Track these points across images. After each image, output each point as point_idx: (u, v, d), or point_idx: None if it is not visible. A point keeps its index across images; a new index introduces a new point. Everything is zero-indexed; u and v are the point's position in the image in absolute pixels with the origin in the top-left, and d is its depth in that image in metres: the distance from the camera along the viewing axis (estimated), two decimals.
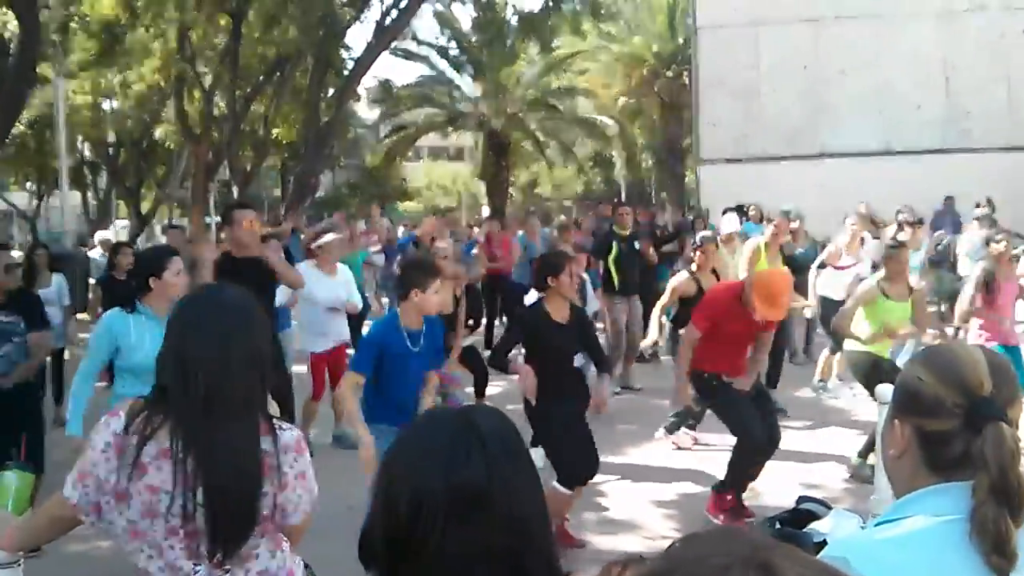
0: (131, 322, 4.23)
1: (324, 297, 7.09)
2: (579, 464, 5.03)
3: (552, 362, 5.03)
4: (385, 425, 4.45)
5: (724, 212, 10.62)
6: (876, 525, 1.46)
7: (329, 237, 7.46)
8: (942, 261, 11.79)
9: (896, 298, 6.19)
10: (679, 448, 7.06)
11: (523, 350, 5.23)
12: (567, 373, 5.16)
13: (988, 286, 6.43)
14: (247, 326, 2.23)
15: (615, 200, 19.00)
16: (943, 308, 11.64)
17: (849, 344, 6.45)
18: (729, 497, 5.56)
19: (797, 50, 17.70)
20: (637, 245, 9.07)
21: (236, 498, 2.11)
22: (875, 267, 7.84)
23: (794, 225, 9.05)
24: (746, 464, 5.50)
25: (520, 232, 11.66)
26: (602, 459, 5.84)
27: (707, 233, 7.84)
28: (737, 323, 5.45)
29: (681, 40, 28.40)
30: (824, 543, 4.22)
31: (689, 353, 5.54)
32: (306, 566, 2.46)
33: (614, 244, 8.85)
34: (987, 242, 6.79)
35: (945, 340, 7.44)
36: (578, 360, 5.71)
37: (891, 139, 17.30)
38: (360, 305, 7.81)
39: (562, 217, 31.30)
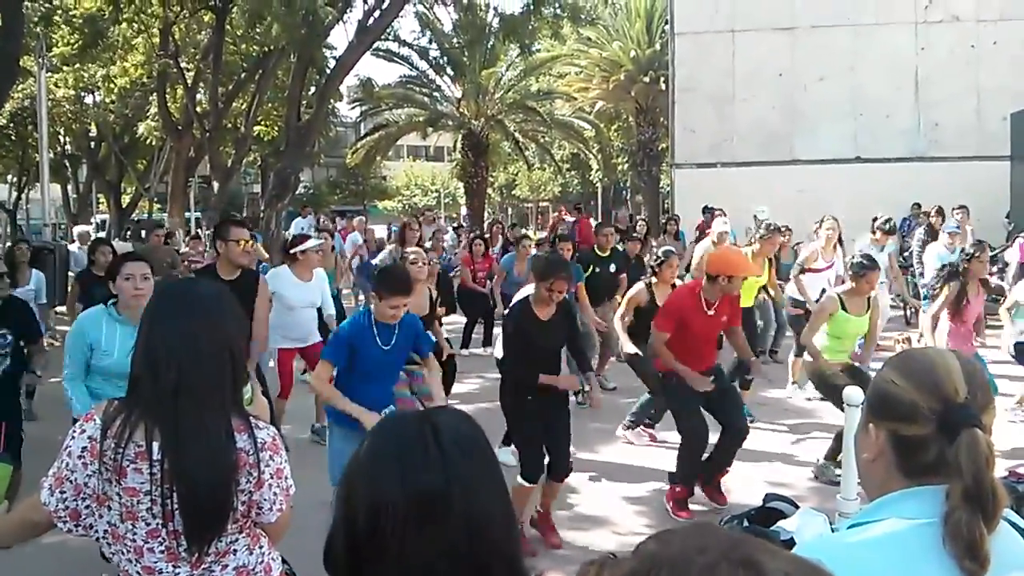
0: (104, 325, 4.18)
1: (297, 300, 7.15)
2: (541, 460, 5.14)
3: (537, 359, 5.12)
4: (356, 430, 4.39)
5: (704, 210, 10.76)
6: (849, 527, 1.47)
7: (311, 243, 7.45)
8: (910, 267, 12.07)
9: (854, 313, 6.34)
10: (631, 443, 7.26)
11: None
12: (551, 368, 5.23)
13: (959, 302, 6.63)
14: (217, 317, 2.23)
15: (592, 206, 19.23)
16: (909, 313, 11.92)
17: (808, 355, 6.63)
18: (678, 489, 5.76)
19: (773, 57, 17.95)
20: (614, 268, 9.12)
21: (207, 485, 2.11)
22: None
23: (782, 239, 9.25)
24: (694, 461, 5.72)
25: (508, 254, 11.38)
26: (574, 457, 6.02)
27: (670, 248, 7.99)
28: (699, 319, 5.67)
29: (658, 46, 28.67)
30: (791, 541, 4.39)
31: (667, 350, 5.69)
32: (284, 561, 2.50)
33: (591, 265, 8.96)
34: (968, 257, 6.86)
35: (910, 346, 7.65)
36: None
37: (863, 146, 17.59)
38: (334, 314, 7.85)
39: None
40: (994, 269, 10.10)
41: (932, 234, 11.83)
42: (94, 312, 4.28)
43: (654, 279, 7.20)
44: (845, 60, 17.61)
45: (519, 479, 5.09)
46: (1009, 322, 7.80)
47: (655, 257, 7.56)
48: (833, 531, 1.58)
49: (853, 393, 4.62)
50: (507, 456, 6.55)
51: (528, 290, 5.40)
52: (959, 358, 1.47)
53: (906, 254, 12.08)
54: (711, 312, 5.73)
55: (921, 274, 11.03)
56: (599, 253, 9.13)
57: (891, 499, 1.43)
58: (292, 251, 7.37)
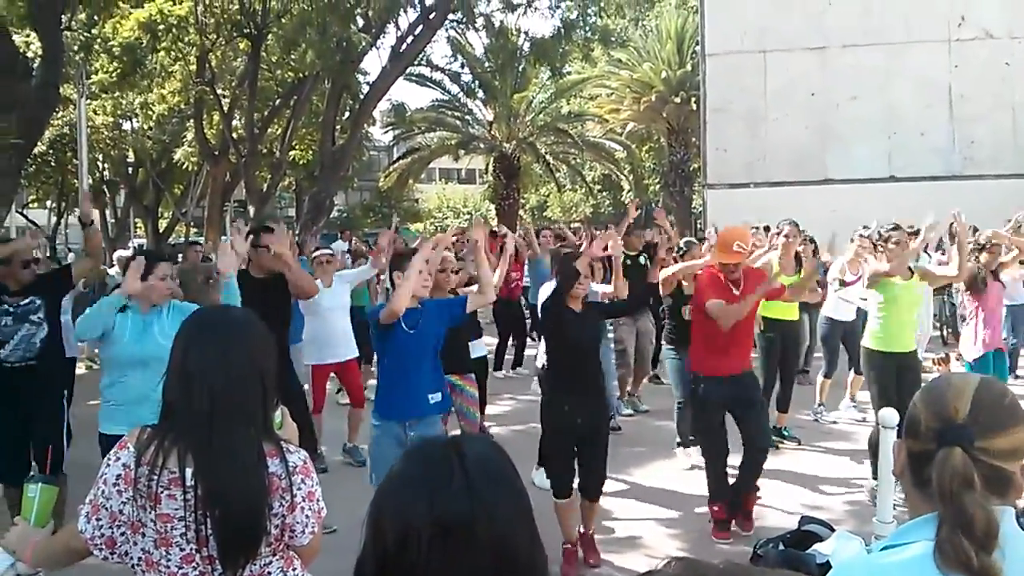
0: (117, 315, 4.51)
1: (326, 305, 7.25)
2: (565, 474, 5.19)
3: (571, 353, 5.17)
4: (395, 422, 4.62)
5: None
6: (881, 549, 1.49)
7: (321, 252, 7.84)
8: (946, 288, 11.92)
9: (900, 280, 6.35)
10: (693, 467, 7.17)
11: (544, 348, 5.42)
12: (586, 369, 5.25)
13: (976, 284, 6.56)
14: (248, 341, 2.27)
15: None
16: (945, 333, 11.79)
17: (867, 343, 6.60)
18: (716, 508, 5.73)
19: (804, 77, 17.89)
20: (643, 260, 9.05)
21: (240, 509, 2.15)
22: None
23: (800, 247, 9.13)
24: (715, 472, 5.71)
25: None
26: (608, 479, 6.03)
27: (691, 239, 7.99)
28: (729, 300, 5.61)
29: (689, 67, 28.67)
30: (827, 565, 4.36)
31: (715, 304, 5.58)
32: None
33: (623, 259, 8.91)
34: (980, 248, 6.84)
35: (947, 368, 7.59)
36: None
37: (896, 165, 17.46)
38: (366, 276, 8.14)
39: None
40: None
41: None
42: (115, 299, 4.57)
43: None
44: (877, 78, 17.51)
45: (553, 496, 5.18)
46: None
47: (678, 248, 7.59)
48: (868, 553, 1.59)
49: (886, 415, 4.59)
50: (543, 479, 6.57)
51: (549, 287, 5.47)
52: (981, 382, 1.49)
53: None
54: (737, 292, 5.66)
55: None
56: (628, 252, 9.06)
57: (919, 522, 1.45)
58: (312, 256, 7.82)
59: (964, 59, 17.34)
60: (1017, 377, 9.98)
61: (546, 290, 5.67)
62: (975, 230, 12.03)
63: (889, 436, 4.39)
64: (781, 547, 4.92)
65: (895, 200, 15.99)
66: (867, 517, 5.40)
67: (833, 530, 5.06)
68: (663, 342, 7.87)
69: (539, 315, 5.75)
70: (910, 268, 6.43)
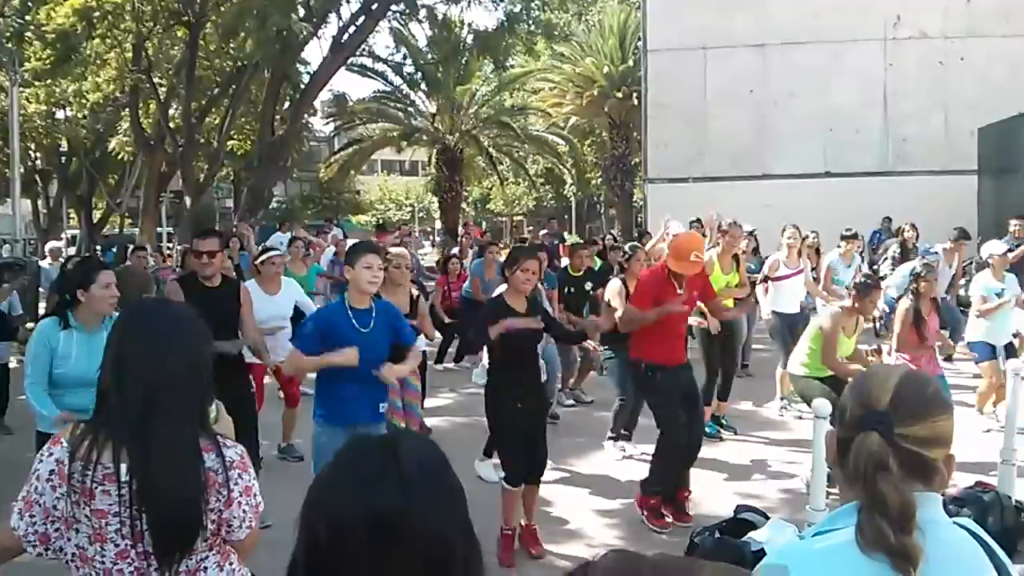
0: (61, 334, 4.19)
1: (266, 315, 6.96)
2: (523, 464, 5.21)
3: (513, 351, 5.17)
4: (340, 428, 4.38)
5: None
6: (813, 535, 1.54)
7: (270, 253, 7.46)
8: (880, 279, 12.21)
9: (848, 334, 6.48)
10: (627, 455, 7.26)
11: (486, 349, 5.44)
12: (530, 368, 5.28)
13: (916, 321, 6.73)
14: (185, 336, 2.24)
15: (566, 220, 19.38)
16: (879, 326, 12.07)
17: (795, 370, 6.72)
18: (653, 501, 5.80)
19: (744, 74, 18.16)
20: (589, 287, 9.08)
21: (176, 504, 2.14)
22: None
23: (745, 244, 9.32)
24: (668, 465, 5.77)
25: (477, 260, 11.35)
26: (549, 470, 6.06)
27: (636, 244, 8.09)
28: (672, 298, 5.72)
29: (632, 62, 28.90)
30: (762, 552, 4.45)
31: (639, 312, 5.75)
32: None
33: (566, 286, 8.96)
34: (915, 277, 6.93)
35: (879, 359, 7.75)
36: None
37: (832, 161, 17.82)
38: (314, 305, 7.84)
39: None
40: (962, 282, 10.27)
41: (904, 250, 12.01)
42: (51, 320, 4.29)
43: (622, 275, 7.29)
44: (815, 77, 17.85)
45: (504, 484, 5.22)
46: (978, 326, 7.95)
47: (622, 253, 7.65)
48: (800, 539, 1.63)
49: (821, 405, 4.69)
50: (488, 471, 6.60)
51: (500, 290, 5.49)
52: (905, 373, 1.54)
53: (875, 267, 12.24)
54: (681, 291, 5.78)
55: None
56: (573, 273, 9.10)
57: (849, 508, 1.49)
58: (254, 263, 7.44)
59: (899, 58, 17.77)
60: (952, 361, 10.26)
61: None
62: (914, 227, 12.36)
63: (822, 426, 4.50)
64: (717, 535, 5.00)
65: (830, 195, 16.36)
66: (801, 505, 5.50)
67: (768, 518, 5.17)
68: (598, 343, 7.92)
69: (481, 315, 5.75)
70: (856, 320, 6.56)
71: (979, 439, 7.33)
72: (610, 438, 7.49)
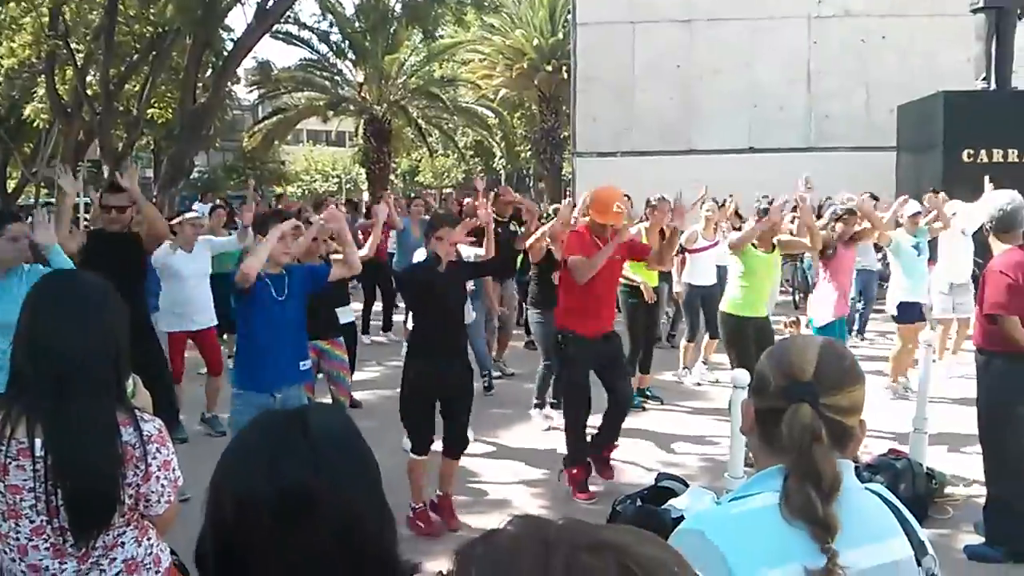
0: None
1: (183, 266, 7.03)
2: (425, 432, 5.23)
3: (435, 312, 5.16)
4: (255, 393, 4.44)
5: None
6: (730, 500, 1.56)
7: (188, 215, 7.52)
8: (798, 255, 12.52)
9: (762, 249, 6.64)
10: (552, 425, 7.31)
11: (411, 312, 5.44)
12: (449, 328, 5.25)
13: (825, 252, 6.90)
14: (99, 308, 2.22)
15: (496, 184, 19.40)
16: (797, 298, 12.39)
17: (722, 304, 6.87)
18: (575, 471, 5.87)
19: (671, 49, 18.29)
20: (513, 228, 9.16)
21: (92, 479, 2.12)
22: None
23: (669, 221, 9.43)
24: (576, 433, 5.85)
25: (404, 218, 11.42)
26: (475, 441, 6.09)
27: (559, 205, 8.14)
28: (589, 254, 5.71)
29: (561, 35, 28.88)
30: (682, 518, 4.55)
31: (585, 260, 5.66)
32: (172, 552, 2.51)
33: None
34: (836, 217, 7.10)
35: (797, 330, 7.97)
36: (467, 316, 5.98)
37: (757, 137, 18.10)
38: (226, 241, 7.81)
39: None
40: (880, 256, 10.57)
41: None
42: None
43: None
44: (740, 53, 18.06)
45: (410, 453, 5.27)
46: (901, 286, 8.19)
47: (546, 215, 7.69)
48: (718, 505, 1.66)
49: (739, 375, 4.80)
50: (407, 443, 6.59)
51: (420, 255, 5.48)
52: (824, 343, 1.58)
53: None
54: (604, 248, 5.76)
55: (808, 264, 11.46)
56: (499, 217, 9.15)
57: (765, 474, 1.53)
58: (171, 225, 7.34)
59: (823, 36, 18.07)
60: (864, 338, 10.58)
61: (419, 257, 5.66)
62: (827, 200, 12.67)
63: (740, 396, 4.60)
64: (638, 503, 5.09)
65: (754, 171, 16.60)
66: (720, 473, 5.64)
67: (688, 486, 5.27)
68: (528, 306, 7.97)
69: (402, 277, 5.75)
70: (773, 242, 6.69)
71: (893, 407, 7.58)
72: (536, 406, 7.56)
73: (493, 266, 6.07)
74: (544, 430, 7.33)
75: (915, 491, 5.29)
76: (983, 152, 13.52)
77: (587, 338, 5.78)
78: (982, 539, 4.86)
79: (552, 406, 7.47)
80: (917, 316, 8.12)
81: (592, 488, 5.89)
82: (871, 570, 1.45)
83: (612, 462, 6.10)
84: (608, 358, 5.89)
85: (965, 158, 13.54)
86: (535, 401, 7.57)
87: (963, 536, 5.03)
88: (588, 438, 5.96)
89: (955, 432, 6.46)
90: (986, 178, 8.42)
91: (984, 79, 13.51)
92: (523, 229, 9.54)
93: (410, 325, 6.21)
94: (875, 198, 11.22)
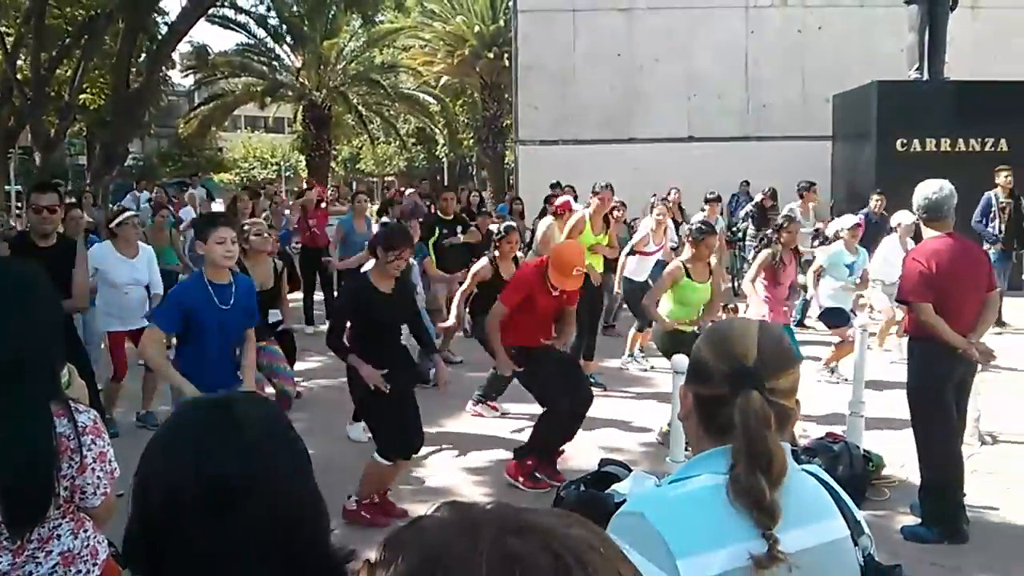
0: None
1: (120, 276, 6.90)
2: (400, 437, 5.16)
3: (376, 333, 5.09)
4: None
5: (552, 187, 11.02)
6: (670, 483, 1.56)
7: (125, 215, 7.29)
8: (738, 241, 12.72)
9: (698, 279, 6.62)
10: (480, 416, 7.39)
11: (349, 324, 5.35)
12: (392, 346, 5.21)
13: (774, 268, 7.00)
14: (32, 300, 2.19)
15: (438, 181, 19.30)
16: (736, 284, 12.55)
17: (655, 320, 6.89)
18: (530, 462, 5.89)
19: (611, 37, 18.35)
20: (459, 231, 9.23)
21: (26, 471, 2.09)
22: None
23: (618, 214, 9.57)
24: (553, 431, 5.85)
25: (346, 216, 11.33)
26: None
27: (511, 223, 8.14)
28: (545, 298, 5.82)
29: (502, 22, 28.82)
30: (625, 502, 4.58)
31: (497, 325, 5.83)
32: (110, 544, 2.47)
33: (436, 228, 9.00)
34: (778, 228, 7.19)
35: (734, 315, 8.08)
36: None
37: (696, 126, 18.27)
38: (160, 292, 7.57)
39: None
40: (816, 244, 10.75)
41: (762, 213, 12.53)
42: None
43: (496, 252, 7.29)
44: (680, 42, 18.19)
45: (376, 456, 5.13)
46: (813, 285, 8.36)
47: (496, 232, 7.66)
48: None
49: (680, 360, 4.83)
50: (358, 432, 6.55)
51: (366, 267, 5.39)
52: (760, 327, 1.58)
53: (733, 229, 12.70)
54: (555, 293, 5.86)
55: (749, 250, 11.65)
56: (443, 217, 9.19)
57: (704, 456, 1.53)
58: (110, 225, 7.20)
59: (760, 26, 18.28)
60: (805, 327, 10.76)
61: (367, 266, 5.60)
62: (774, 195, 12.87)
63: (680, 381, 4.64)
64: (581, 488, 5.11)
65: (693, 160, 16.80)
66: (662, 457, 5.70)
67: (631, 470, 5.31)
68: (473, 315, 7.95)
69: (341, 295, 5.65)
70: (710, 269, 6.77)
71: (831, 391, 7.73)
72: (475, 400, 7.54)
73: (424, 345, 5.80)
74: (471, 413, 7.42)
75: (852, 473, 5.38)
76: (916, 141, 13.85)
77: (535, 348, 5.85)
78: (918, 520, 4.97)
79: (490, 399, 7.50)
80: (844, 321, 8.22)
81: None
82: (809, 550, 1.45)
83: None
84: (561, 357, 5.95)
85: (899, 147, 13.86)
86: (478, 393, 7.54)
87: (900, 517, 5.14)
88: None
89: (892, 416, 6.60)
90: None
91: (917, 69, 13.82)
92: (471, 229, 9.57)
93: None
94: (811, 183, 11.53)
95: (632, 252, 9.23)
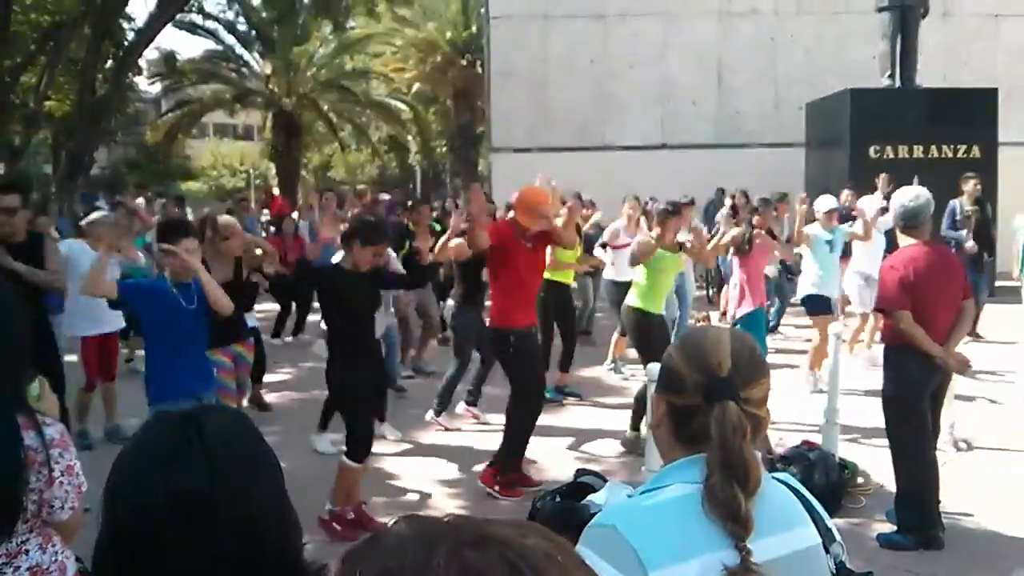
0: None
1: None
2: (371, 439, 5.16)
3: (351, 319, 5.08)
4: (174, 404, 4.29)
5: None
6: (641, 493, 1.55)
7: (97, 215, 7.26)
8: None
9: (669, 249, 6.71)
10: (444, 428, 7.26)
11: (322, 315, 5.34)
12: (367, 338, 5.20)
13: (746, 246, 7.00)
14: None
15: (411, 189, 19.17)
16: (711, 293, 12.57)
17: (628, 300, 6.91)
18: (502, 469, 5.81)
19: (585, 45, 18.36)
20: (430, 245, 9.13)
21: None
22: None
23: (586, 212, 9.61)
24: (526, 428, 5.80)
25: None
26: (392, 442, 5.98)
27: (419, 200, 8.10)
28: (522, 254, 5.74)
29: (475, 29, 28.79)
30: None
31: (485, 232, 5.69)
32: (78, 559, 2.43)
33: (407, 242, 8.87)
34: (753, 210, 7.26)
35: (707, 323, 8.07)
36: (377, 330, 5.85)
37: (669, 133, 18.32)
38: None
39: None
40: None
41: (736, 216, 12.52)
42: None
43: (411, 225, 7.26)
44: (653, 49, 18.24)
45: (346, 460, 5.07)
46: (810, 280, 8.38)
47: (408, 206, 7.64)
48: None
49: (653, 369, 4.79)
50: (324, 444, 6.46)
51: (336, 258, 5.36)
52: (733, 335, 1.57)
53: (710, 235, 12.69)
54: (530, 245, 5.79)
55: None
56: (414, 230, 9.07)
57: (676, 466, 1.51)
58: (80, 223, 7.26)
59: (733, 33, 18.38)
60: (777, 333, 10.78)
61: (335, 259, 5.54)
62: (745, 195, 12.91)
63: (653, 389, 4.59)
64: (557, 499, 5.06)
65: (667, 166, 16.82)
66: (637, 467, 5.65)
67: (607, 480, 5.26)
68: (454, 302, 7.85)
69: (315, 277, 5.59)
70: (680, 244, 6.80)
71: (806, 400, 7.72)
72: (436, 411, 7.45)
73: (409, 279, 6.08)
74: (457, 427, 7.29)
75: (828, 481, 5.39)
76: (889, 148, 13.96)
77: (525, 330, 5.79)
78: (894, 527, 4.98)
79: (469, 404, 7.41)
80: (826, 309, 8.27)
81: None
82: (780, 559, 1.45)
83: (529, 463, 6.08)
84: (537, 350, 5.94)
85: (872, 154, 13.96)
86: (435, 407, 7.42)
87: (876, 524, 5.14)
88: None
89: (868, 424, 6.59)
90: (916, 178, 8.60)
91: (889, 76, 13.95)
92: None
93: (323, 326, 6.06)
94: (784, 194, 11.57)
95: (604, 246, 9.23)
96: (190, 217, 14.87)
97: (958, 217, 10.25)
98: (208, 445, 1.20)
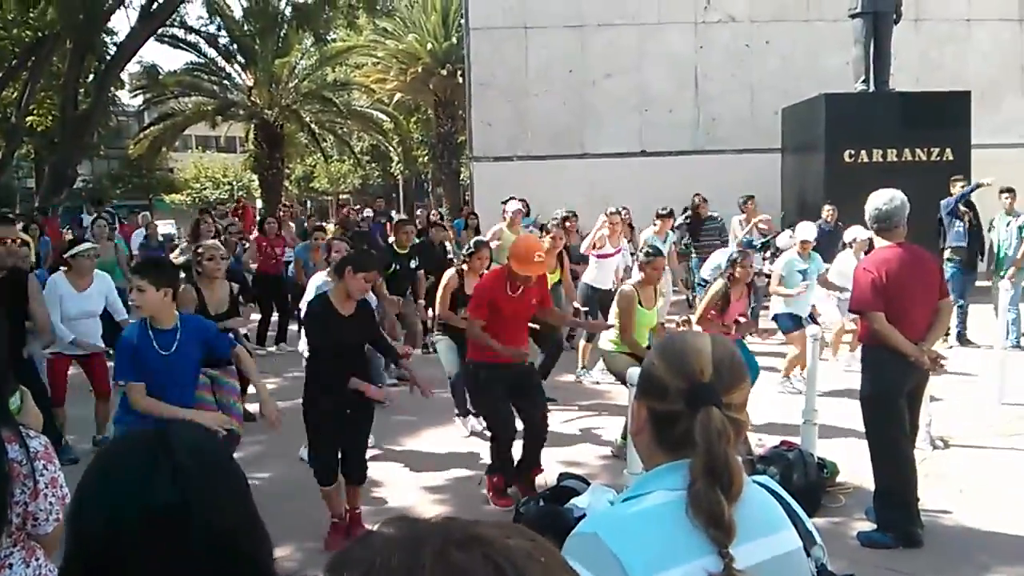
0: None
1: (73, 310, 6.77)
2: (329, 464, 5.12)
3: (336, 354, 5.03)
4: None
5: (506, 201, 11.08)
6: (624, 500, 1.54)
7: (83, 247, 7.12)
8: (690, 254, 12.85)
9: (647, 306, 6.74)
10: (475, 433, 7.27)
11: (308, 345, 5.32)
12: (348, 367, 5.12)
13: (723, 303, 7.05)
14: None
15: (394, 198, 19.20)
16: (690, 297, 12.68)
17: (604, 345, 6.94)
18: (495, 479, 5.88)
19: (563, 54, 18.46)
20: (414, 264, 9.14)
21: None
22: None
23: (570, 225, 9.73)
24: (504, 454, 5.84)
25: (303, 244, 11.23)
26: (379, 448, 6.00)
27: (482, 239, 8.13)
28: (507, 302, 5.81)
29: (455, 39, 28.85)
30: (584, 516, 4.60)
31: (482, 333, 5.77)
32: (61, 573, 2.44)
33: (391, 262, 8.90)
34: (732, 262, 7.16)
35: (688, 328, 8.14)
36: None
37: (647, 141, 18.42)
38: (125, 315, 7.41)
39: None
40: (767, 255, 10.88)
41: (697, 222, 12.77)
42: None
43: (465, 267, 7.26)
44: (631, 58, 18.35)
45: (319, 484, 5.13)
46: (781, 299, 8.45)
47: (467, 247, 7.65)
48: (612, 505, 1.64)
49: (634, 374, 4.86)
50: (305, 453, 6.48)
51: (321, 285, 5.36)
52: (714, 341, 1.57)
53: (686, 242, 12.84)
54: (518, 294, 5.86)
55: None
56: (399, 250, 9.12)
57: (658, 472, 1.52)
58: (64, 255, 7.05)
59: (709, 41, 18.51)
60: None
61: (316, 280, 5.52)
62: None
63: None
64: (541, 503, 5.13)
65: (645, 174, 16.93)
66: (619, 471, 5.72)
67: (589, 484, 5.34)
68: (434, 330, 7.92)
69: (304, 317, 5.61)
70: (655, 290, 6.90)
71: (783, 401, 7.81)
72: (458, 415, 7.53)
73: (387, 356, 5.98)
74: (464, 436, 7.34)
75: (807, 480, 5.45)
76: (863, 152, 14.12)
77: (497, 365, 5.79)
78: (874, 525, 5.03)
79: (471, 413, 7.46)
80: (798, 325, 8.31)
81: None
82: (763, 564, 1.45)
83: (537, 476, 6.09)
84: (518, 381, 5.87)
85: (846, 158, 14.12)
86: (456, 411, 7.52)
87: (855, 523, 5.20)
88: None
89: (846, 423, 6.68)
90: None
91: (863, 82, 14.10)
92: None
93: (303, 347, 6.07)
94: (750, 196, 11.84)
95: (592, 247, 9.34)
96: (172, 230, 14.91)
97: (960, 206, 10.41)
98: (177, 460, 1.21)
